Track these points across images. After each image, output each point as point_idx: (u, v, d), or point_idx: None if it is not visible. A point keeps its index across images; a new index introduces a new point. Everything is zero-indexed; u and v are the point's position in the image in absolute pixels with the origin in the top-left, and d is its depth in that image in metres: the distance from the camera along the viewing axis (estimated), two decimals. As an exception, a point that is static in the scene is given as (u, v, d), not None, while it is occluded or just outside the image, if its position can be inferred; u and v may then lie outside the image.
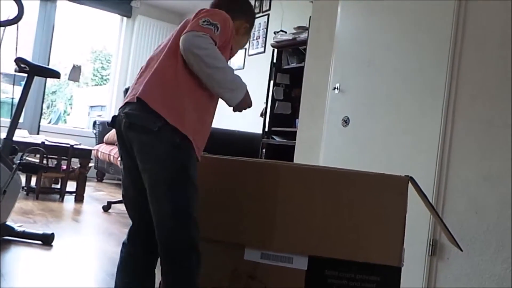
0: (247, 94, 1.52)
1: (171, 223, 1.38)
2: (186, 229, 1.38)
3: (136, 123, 1.39)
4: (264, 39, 5.52)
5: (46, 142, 4.45)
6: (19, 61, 2.72)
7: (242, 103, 1.51)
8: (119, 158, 1.56)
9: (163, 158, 1.38)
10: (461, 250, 1.84)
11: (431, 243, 2.31)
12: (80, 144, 4.85)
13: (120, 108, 1.49)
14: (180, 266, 1.39)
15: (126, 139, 1.44)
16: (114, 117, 1.49)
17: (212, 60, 1.38)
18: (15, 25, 2.64)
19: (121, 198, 1.61)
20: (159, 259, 1.46)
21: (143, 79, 1.45)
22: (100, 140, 6.07)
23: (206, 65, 1.37)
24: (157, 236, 1.40)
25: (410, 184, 1.58)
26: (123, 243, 1.55)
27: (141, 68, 1.57)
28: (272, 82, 4.37)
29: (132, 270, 1.51)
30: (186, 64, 1.41)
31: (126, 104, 1.45)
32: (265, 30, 5.53)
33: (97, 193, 5.40)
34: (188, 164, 1.41)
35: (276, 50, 4.41)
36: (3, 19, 2.59)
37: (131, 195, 1.53)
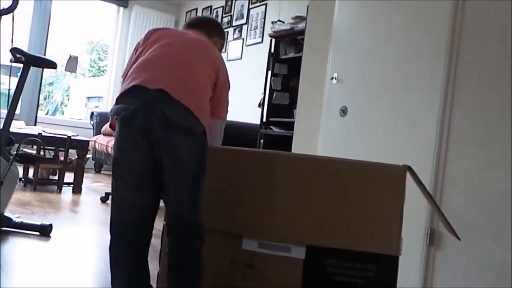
0: None
1: (189, 213, 1.51)
2: (200, 217, 1.53)
3: (182, 124, 1.47)
4: (261, 29, 5.49)
5: (43, 133, 4.43)
6: (14, 51, 2.70)
7: None
8: (120, 149, 1.54)
9: (199, 158, 1.53)
10: (459, 239, 1.84)
11: (428, 232, 2.32)
12: (77, 135, 4.83)
13: (136, 99, 1.46)
14: (194, 252, 1.52)
15: (155, 136, 1.45)
16: (134, 110, 1.45)
17: (217, 142, 1.79)
18: (10, 14, 2.62)
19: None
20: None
21: (178, 73, 1.54)
22: (97, 131, 6.05)
23: (216, 142, 1.77)
24: (173, 226, 1.52)
25: (408, 174, 1.58)
26: (112, 238, 1.54)
27: (152, 57, 1.58)
28: (270, 72, 4.35)
29: (128, 258, 1.54)
30: (209, 77, 1.64)
31: (160, 95, 1.44)
32: (262, 20, 5.50)
33: (95, 184, 5.40)
34: (207, 164, 1.59)
35: (274, 40, 4.38)
36: (-2, 8, 2.57)
37: (133, 187, 1.52)
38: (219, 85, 1.69)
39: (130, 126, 1.48)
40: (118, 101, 1.54)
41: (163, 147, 1.46)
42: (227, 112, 1.80)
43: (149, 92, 1.46)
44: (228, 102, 1.79)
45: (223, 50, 2.11)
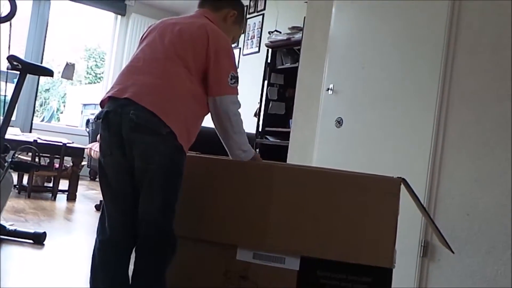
0: (255, 156, 1.72)
1: (161, 220, 1.52)
2: (171, 223, 1.53)
3: (146, 125, 1.48)
4: (258, 39, 5.52)
5: (39, 141, 4.42)
6: (11, 58, 2.71)
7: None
8: (103, 153, 1.59)
9: (168, 160, 1.50)
10: (453, 252, 1.85)
11: (422, 244, 2.32)
12: (73, 143, 4.82)
13: (111, 104, 1.54)
14: (158, 258, 1.53)
15: (127, 138, 1.50)
16: (107, 112, 1.53)
17: (238, 126, 1.65)
18: (8, 22, 2.62)
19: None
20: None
21: (145, 80, 1.53)
22: (93, 139, 6.03)
23: (233, 129, 1.64)
24: (143, 229, 1.52)
25: (402, 186, 1.59)
26: (98, 238, 1.59)
27: (133, 61, 1.61)
28: (266, 82, 4.37)
29: (110, 259, 1.58)
30: (189, 73, 1.56)
31: (128, 100, 1.49)
32: (259, 30, 5.53)
33: (89, 192, 5.38)
34: (183, 166, 1.56)
35: (270, 50, 4.40)
36: (-5, 16, 2.57)
37: (116, 188, 1.57)
38: (211, 63, 1.59)
39: (106, 129, 1.54)
40: (102, 106, 1.62)
41: (133, 147, 1.50)
42: (231, 87, 1.62)
43: (119, 101, 1.53)
44: (229, 75, 1.62)
45: (241, 20, 1.87)
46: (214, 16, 1.74)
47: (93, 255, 1.61)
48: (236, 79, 1.64)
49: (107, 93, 1.60)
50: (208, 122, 1.70)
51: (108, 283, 1.56)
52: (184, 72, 1.56)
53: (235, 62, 1.69)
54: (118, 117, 1.50)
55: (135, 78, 1.56)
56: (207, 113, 1.67)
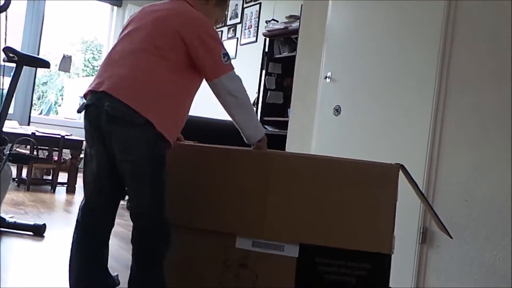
0: (265, 138, 1.70)
1: (152, 212, 1.54)
2: (164, 215, 1.55)
3: (122, 117, 1.49)
4: (256, 28, 5.49)
5: (37, 133, 4.41)
6: (7, 50, 2.69)
7: (262, 142, 1.69)
8: (88, 143, 1.65)
9: (147, 150, 1.52)
10: (451, 238, 1.85)
11: (421, 231, 2.33)
12: (71, 135, 4.81)
13: (91, 97, 1.57)
14: (154, 249, 1.55)
15: (105, 130, 1.53)
16: (87, 106, 1.57)
17: (248, 101, 1.64)
18: (3, 13, 2.60)
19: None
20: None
21: (121, 72, 1.55)
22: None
23: (239, 104, 1.62)
24: (137, 224, 1.55)
25: (400, 172, 1.59)
26: (77, 221, 1.67)
27: (112, 53, 1.64)
28: (264, 71, 4.35)
29: (87, 242, 1.65)
30: (166, 62, 1.55)
31: (104, 93, 1.52)
32: (257, 19, 5.50)
33: (89, 184, 5.37)
34: (165, 155, 1.57)
35: (268, 39, 4.38)
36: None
37: (96, 177, 1.62)
38: (193, 49, 1.57)
39: (87, 121, 1.60)
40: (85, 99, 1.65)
41: (112, 139, 1.53)
42: (226, 65, 1.60)
43: (97, 94, 1.56)
44: (221, 54, 1.59)
45: (223, 2, 1.83)
46: (195, 1, 1.71)
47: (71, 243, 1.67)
48: (227, 55, 1.62)
49: (88, 87, 1.62)
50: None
51: (81, 265, 1.64)
52: (162, 61, 1.55)
53: (220, 40, 1.68)
54: (96, 110, 1.53)
55: (112, 71, 1.58)
56: (191, 98, 1.66)
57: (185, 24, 1.58)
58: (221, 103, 1.64)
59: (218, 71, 1.59)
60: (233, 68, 1.63)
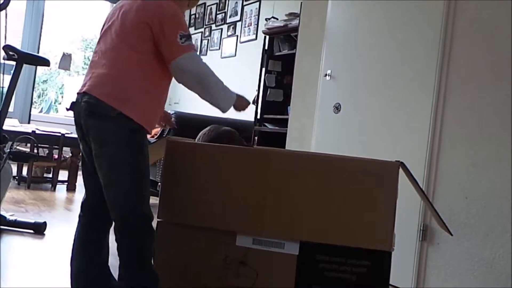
0: (239, 97, 1.70)
1: (129, 201, 1.54)
2: (143, 206, 1.56)
3: (97, 111, 1.55)
4: (255, 26, 5.48)
5: (37, 131, 4.41)
6: (7, 48, 2.69)
7: (239, 106, 1.70)
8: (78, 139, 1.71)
9: (123, 141, 1.55)
10: (451, 235, 1.86)
11: (421, 228, 2.33)
12: (71, 133, 4.80)
13: (76, 99, 1.65)
14: (136, 241, 1.54)
15: (85, 127, 1.60)
16: (73, 103, 1.65)
17: (207, 76, 1.60)
18: (3, 12, 2.60)
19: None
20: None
21: (99, 71, 1.61)
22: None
23: (202, 80, 1.59)
24: (114, 215, 1.57)
25: (401, 170, 1.59)
26: (79, 216, 1.73)
27: (93, 55, 1.69)
28: (264, 69, 4.35)
29: (87, 238, 1.70)
30: (137, 54, 1.57)
31: (85, 93, 1.60)
32: (256, 17, 5.49)
33: (89, 182, 5.38)
34: (143, 145, 1.60)
35: (267, 37, 4.37)
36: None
37: (90, 172, 1.68)
38: (159, 34, 1.56)
39: (74, 119, 1.67)
40: None
41: (90, 132, 1.59)
42: (183, 46, 1.56)
43: (80, 94, 1.65)
44: (178, 36, 1.56)
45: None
46: None
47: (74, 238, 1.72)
48: (187, 37, 1.58)
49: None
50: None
51: (82, 259, 1.68)
52: (133, 55, 1.58)
53: (182, 21, 1.63)
54: (78, 109, 1.63)
55: (92, 72, 1.66)
56: (164, 85, 1.68)
57: (148, 11, 1.58)
58: (185, 85, 1.62)
59: (174, 53, 1.56)
60: (191, 49, 1.59)
